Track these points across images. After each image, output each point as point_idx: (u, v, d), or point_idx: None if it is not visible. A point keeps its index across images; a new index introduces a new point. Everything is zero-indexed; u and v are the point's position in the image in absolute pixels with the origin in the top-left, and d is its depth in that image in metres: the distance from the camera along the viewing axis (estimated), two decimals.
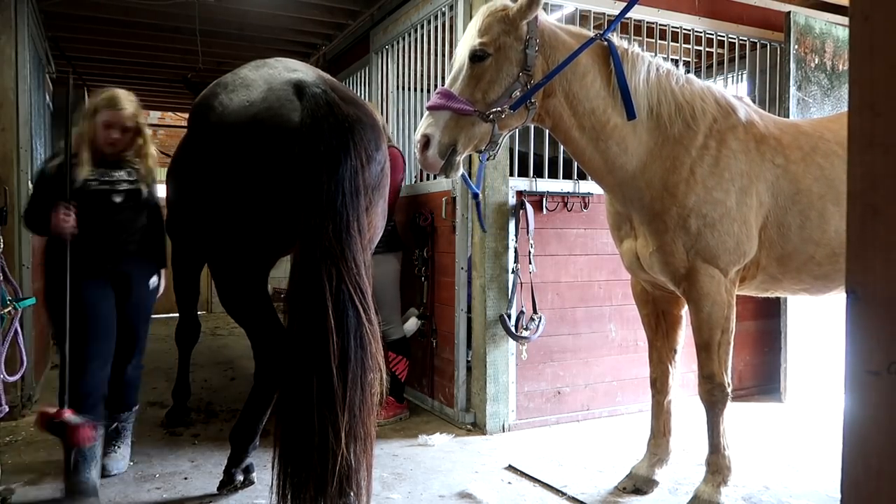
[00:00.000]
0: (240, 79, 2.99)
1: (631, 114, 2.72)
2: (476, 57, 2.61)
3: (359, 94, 6.14)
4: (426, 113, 2.62)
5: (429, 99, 2.67)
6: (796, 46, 4.74)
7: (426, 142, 2.58)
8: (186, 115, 4.50)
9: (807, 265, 2.92)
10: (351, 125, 2.71)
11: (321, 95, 2.74)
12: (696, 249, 2.76)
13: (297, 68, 2.99)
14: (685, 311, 3.12)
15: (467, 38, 2.67)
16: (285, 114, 2.74)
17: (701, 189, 2.75)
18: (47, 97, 6.62)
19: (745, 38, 4.98)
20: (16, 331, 3.70)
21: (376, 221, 3.03)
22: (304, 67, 3.01)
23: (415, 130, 5.08)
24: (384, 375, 2.66)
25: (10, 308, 3.42)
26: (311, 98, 2.73)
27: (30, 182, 4.55)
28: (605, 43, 2.76)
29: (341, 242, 2.55)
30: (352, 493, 2.48)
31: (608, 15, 4.46)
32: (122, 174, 3.27)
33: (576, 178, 4.36)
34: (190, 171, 3.20)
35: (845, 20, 2.25)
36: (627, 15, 4.48)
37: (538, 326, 4.03)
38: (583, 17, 4.38)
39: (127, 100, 3.25)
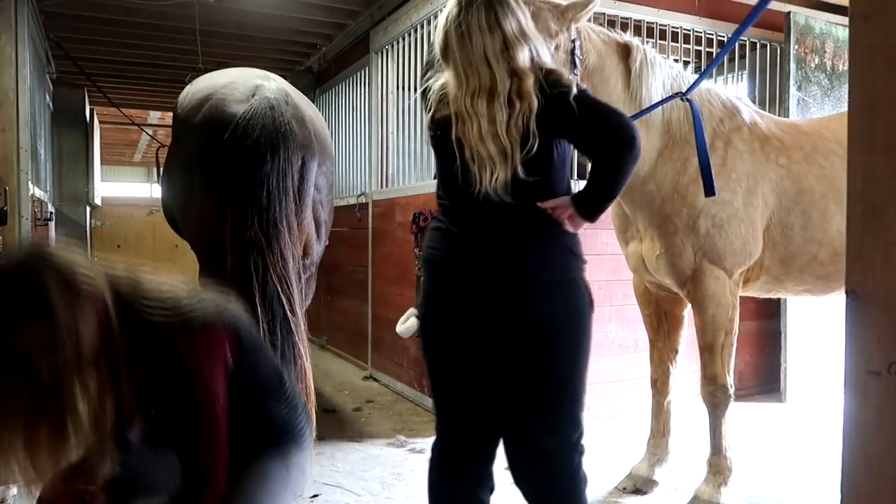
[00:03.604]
0: (223, 73, 3.12)
1: (710, 191, 2.51)
2: None
3: (359, 94, 6.15)
4: None
5: None
6: (796, 46, 4.73)
7: None
8: None
9: (810, 265, 2.91)
10: (287, 131, 2.80)
11: (270, 99, 2.84)
12: (704, 251, 2.75)
13: (275, 79, 3.11)
14: (687, 312, 3.11)
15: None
16: (230, 107, 2.84)
17: None
18: (47, 97, 6.62)
19: (745, 38, 4.97)
20: None
21: (308, 232, 3.08)
22: (282, 83, 3.11)
23: (415, 131, 5.10)
24: (312, 397, 2.87)
25: None
26: (259, 99, 2.83)
27: (30, 182, 4.55)
28: (686, 102, 2.69)
29: (268, 235, 2.69)
30: None
31: (608, 15, 4.46)
32: None
33: (575, 178, 4.35)
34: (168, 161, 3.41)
35: (845, 20, 2.25)
36: (627, 15, 4.51)
37: None
38: None
39: None
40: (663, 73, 2.78)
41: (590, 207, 1.83)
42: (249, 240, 2.66)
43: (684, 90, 2.78)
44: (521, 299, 1.80)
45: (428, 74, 2.02)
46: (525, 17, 1.80)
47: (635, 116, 2.60)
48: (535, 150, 1.73)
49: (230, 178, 2.72)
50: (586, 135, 1.80)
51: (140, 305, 1.58)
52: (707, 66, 2.59)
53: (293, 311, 2.73)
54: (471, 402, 1.92)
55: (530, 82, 1.74)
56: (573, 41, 2.52)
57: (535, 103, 1.73)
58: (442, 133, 1.86)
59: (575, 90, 1.75)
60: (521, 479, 1.92)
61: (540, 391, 1.83)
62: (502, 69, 1.73)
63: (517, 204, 1.79)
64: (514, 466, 1.93)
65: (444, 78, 1.86)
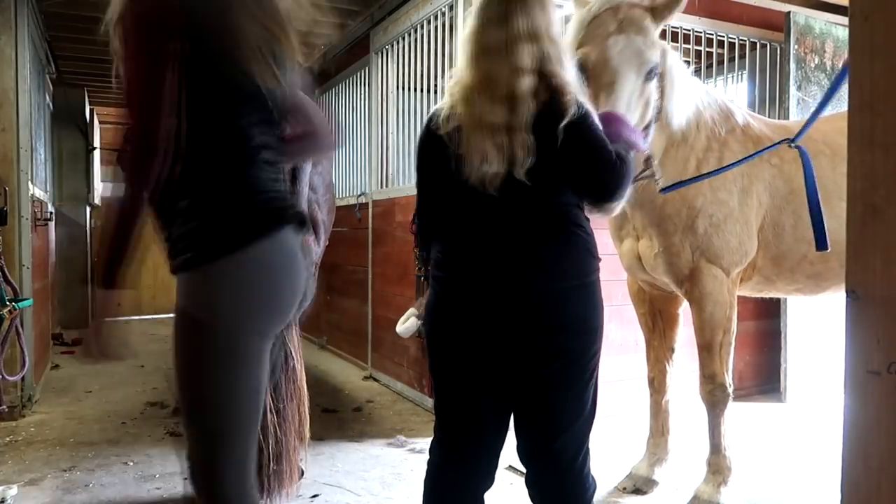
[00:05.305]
0: None
1: (822, 245, 2.31)
2: (651, 75, 2.43)
3: (359, 94, 6.15)
4: None
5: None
6: (796, 46, 4.73)
7: None
8: None
9: (800, 264, 2.94)
10: None
11: None
12: (702, 250, 2.78)
13: None
14: (682, 310, 3.13)
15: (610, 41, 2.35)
16: None
17: (707, 190, 2.78)
18: (47, 97, 6.62)
19: (745, 38, 4.98)
20: (17, 331, 3.71)
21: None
22: None
23: (415, 130, 5.09)
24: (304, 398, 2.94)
25: (9, 307, 3.42)
26: None
27: (30, 182, 4.55)
28: (793, 147, 2.57)
29: None
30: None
31: None
32: None
33: None
34: None
35: (845, 20, 2.25)
36: None
37: None
38: None
39: None
40: None
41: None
42: None
43: (792, 137, 2.64)
44: (542, 303, 1.80)
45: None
46: (544, 18, 1.71)
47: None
48: (537, 154, 1.67)
49: None
50: (568, 169, 1.73)
51: None
52: (817, 106, 2.55)
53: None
54: (482, 407, 1.90)
55: (527, 83, 1.66)
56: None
57: (532, 106, 1.66)
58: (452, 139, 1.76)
59: (570, 117, 1.65)
60: (533, 482, 1.92)
61: (558, 391, 1.87)
62: (503, 64, 1.67)
63: (534, 206, 1.76)
64: (528, 469, 1.94)
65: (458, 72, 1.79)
